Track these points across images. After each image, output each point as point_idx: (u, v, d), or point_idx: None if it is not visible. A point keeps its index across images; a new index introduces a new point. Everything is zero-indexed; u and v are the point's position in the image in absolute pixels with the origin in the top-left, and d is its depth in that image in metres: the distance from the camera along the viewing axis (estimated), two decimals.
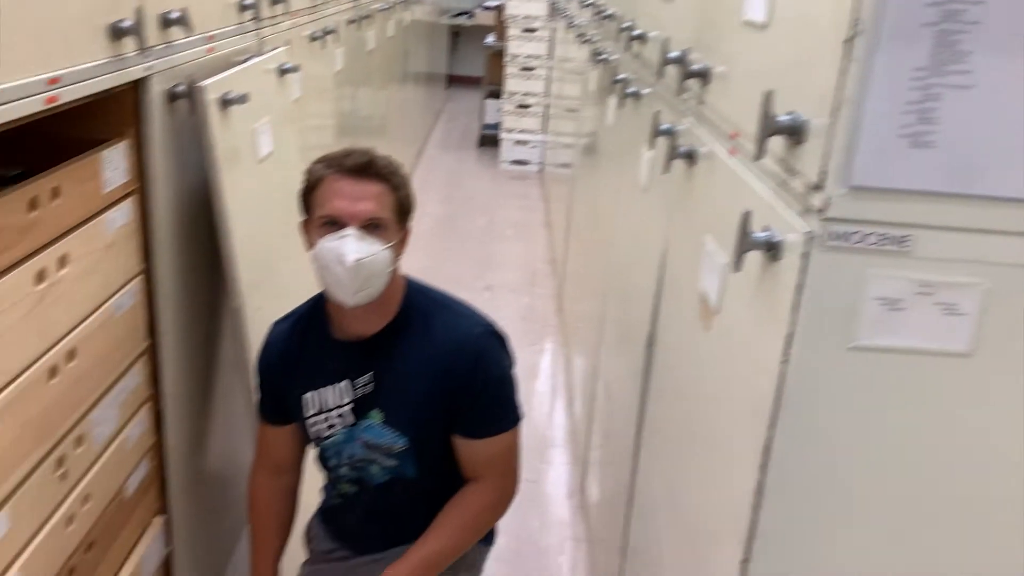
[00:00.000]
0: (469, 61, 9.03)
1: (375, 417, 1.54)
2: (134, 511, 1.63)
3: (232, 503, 2.25)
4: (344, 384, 1.55)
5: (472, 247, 4.80)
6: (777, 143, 0.98)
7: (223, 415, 2.08)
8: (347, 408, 1.55)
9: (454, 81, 9.30)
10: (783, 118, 0.94)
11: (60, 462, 1.33)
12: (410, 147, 5.94)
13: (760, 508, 0.97)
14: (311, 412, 1.57)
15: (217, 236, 1.77)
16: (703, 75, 1.39)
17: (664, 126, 1.56)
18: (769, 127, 0.94)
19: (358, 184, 1.45)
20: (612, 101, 2.54)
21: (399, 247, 1.51)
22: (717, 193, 1.27)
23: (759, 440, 0.96)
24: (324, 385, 1.56)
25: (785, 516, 0.97)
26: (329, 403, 1.56)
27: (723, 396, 1.15)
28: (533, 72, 6.39)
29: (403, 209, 1.51)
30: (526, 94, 6.49)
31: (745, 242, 0.98)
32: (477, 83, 7.57)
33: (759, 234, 0.97)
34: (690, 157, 1.41)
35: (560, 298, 4.04)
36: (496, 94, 6.87)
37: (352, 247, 1.41)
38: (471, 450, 1.54)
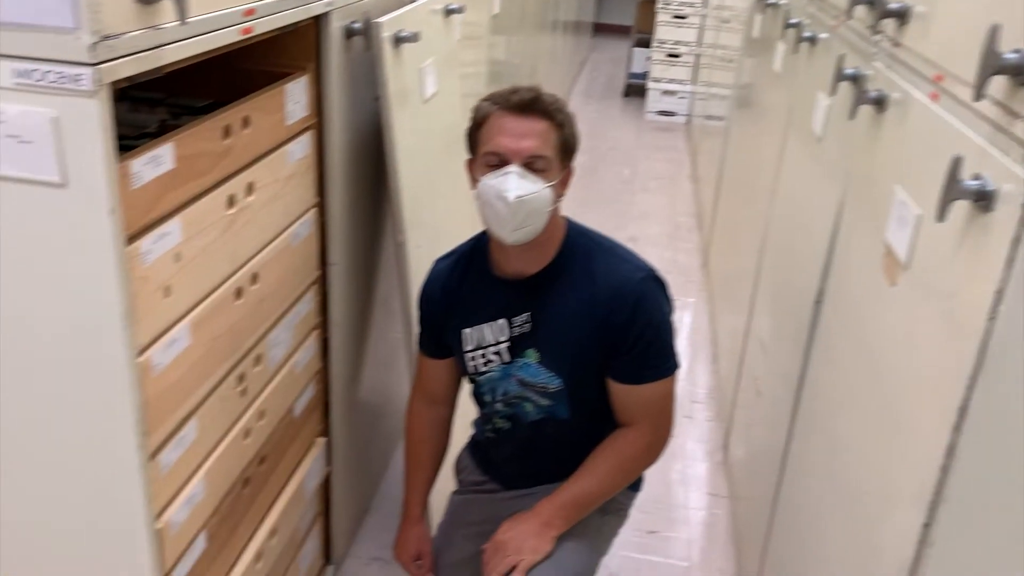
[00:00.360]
0: (618, 9, 8.85)
1: (531, 356, 1.56)
2: (300, 431, 1.72)
3: (384, 433, 2.34)
4: (502, 322, 1.57)
5: (614, 198, 4.74)
6: (997, 84, 0.90)
7: (381, 347, 2.15)
8: (504, 346, 1.58)
9: (599, 30, 9.15)
10: (1009, 55, 0.86)
11: (241, 379, 1.41)
12: None
13: (950, 471, 0.92)
14: (469, 347, 1.60)
15: (385, 173, 1.81)
16: (900, 15, 1.30)
17: (848, 71, 1.47)
18: (992, 66, 0.87)
19: (522, 121, 1.44)
20: (780, 48, 2.43)
21: (561, 186, 1.51)
22: (912, 140, 1.19)
23: (954, 399, 0.91)
24: (482, 322, 1.59)
25: (977, 480, 0.91)
26: (486, 340, 1.59)
27: (908, 352, 1.09)
28: (685, 20, 6.19)
29: (567, 148, 1.50)
30: (677, 43, 6.31)
31: (952, 191, 0.92)
32: (623, 32, 7.42)
33: (969, 182, 0.91)
34: (879, 103, 1.33)
35: (706, 253, 3.95)
36: (645, 43, 6.71)
37: (514, 184, 1.42)
38: (626, 395, 1.53)
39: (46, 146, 0.93)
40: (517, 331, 1.56)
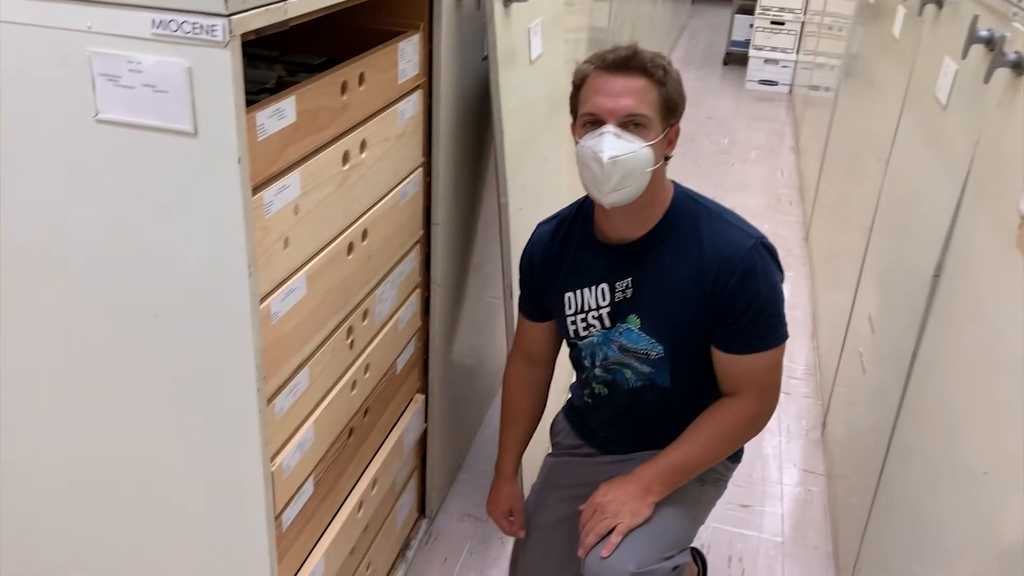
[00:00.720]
0: None
1: (632, 322, 1.54)
2: (401, 387, 1.76)
3: (477, 393, 2.37)
4: (603, 287, 1.56)
5: (711, 168, 4.65)
6: None
7: (477, 309, 2.17)
8: (605, 311, 1.56)
9: None
10: None
11: (350, 332, 1.45)
12: None
13: None
14: (569, 311, 1.60)
15: (489, 134, 1.81)
16: None
17: (982, 32, 1.39)
18: None
19: (619, 79, 1.41)
20: (901, 12, 2.32)
21: (663, 146, 1.45)
22: None
23: None
24: (584, 286, 1.58)
25: None
26: (587, 304, 1.58)
27: None
28: None
29: (669, 106, 1.44)
30: (781, 9, 6.10)
31: None
32: None
33: None
34: (1017, 67, 1.26)
35: (808, 226, 3.84)
36: (747, 9, 6.51)
37: (609, 144, 1.39)
38: (732, 364, 1.50)
39: (180, 96, 0.96)
40: (619, 296, 1.54)
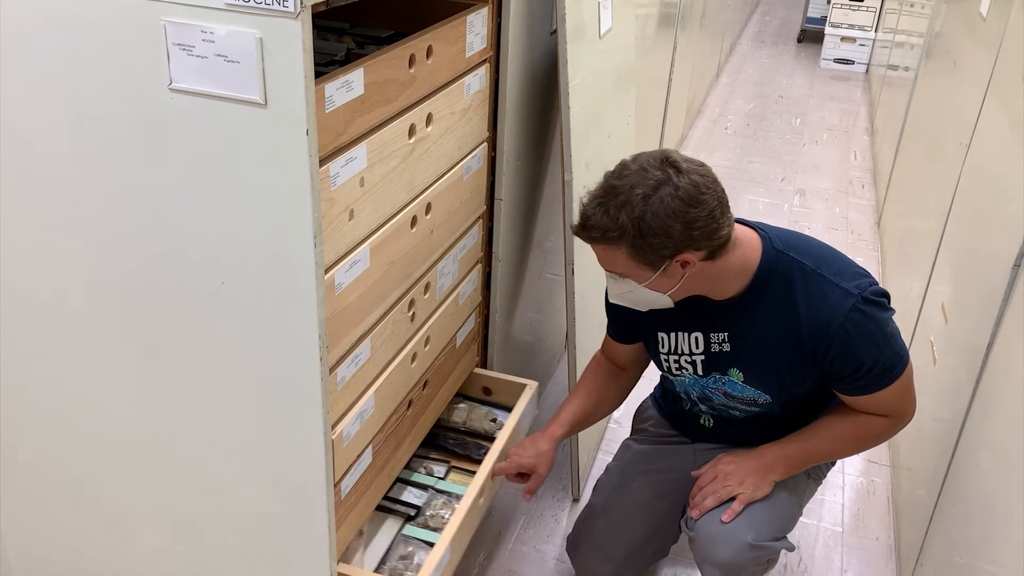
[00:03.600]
0: None
1: (735, 375, 1.51)
2: (460, 361, 1.77)
3: (536, 370, 2.37)
4: (698, 335, 1.51)
5: (782, 149, 4.54)
6: None
7: (537, 286, 2.17)
8: (699, 358, 1.52)
9: None
10: None
11: (411, 304, 1.46)
12: (721, 40, 5.67)
13: None
14: (663, 349, 1.57)
15: (555, 110, 1.80)
16: None
17: None
18: None
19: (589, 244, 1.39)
20: None
21: (671, 276, 1.36)
22: None
23: None
24: (678, 330, 1.53)
25: None
26: (681, 348, 1.54)
27: None
28: None
29: (646, 255, 1.32)
30: None
31: None
32: None
33: None
34: None
35: (880, 210, 3.73)
36: None
37: (610, 285, 1.44)
38: (857, 403, 1.48)
39: (251, 66, 0.97)
40: (715, 348, 1.50)
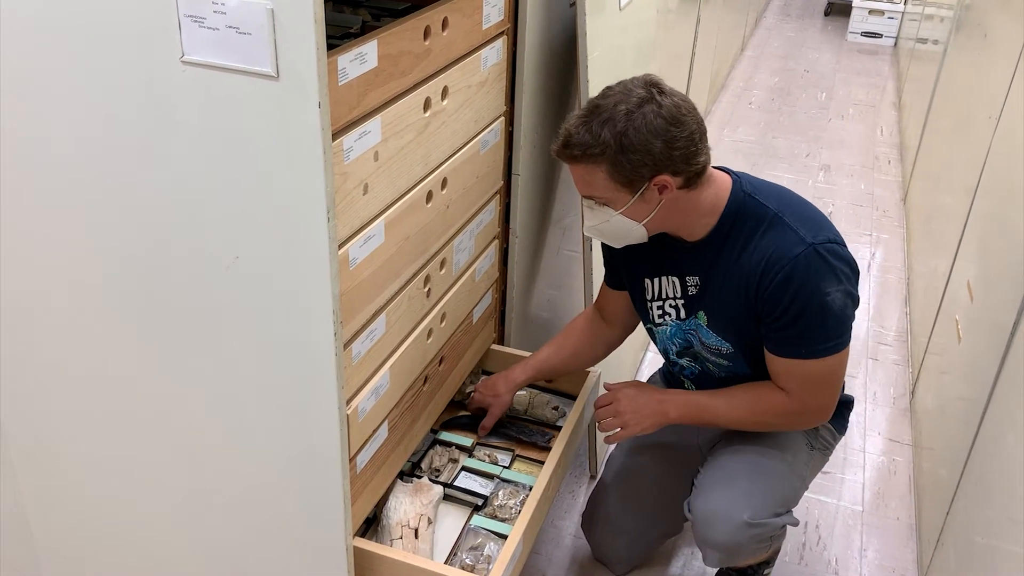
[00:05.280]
0: None
1: (701, 319, 1.53)
2: (476, 337, 1.76)
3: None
4: (675, 279, 1.54)
5: (807, 124, 4.47)
6: None
7: (554, 263, 2.15)
8: (680, 302, 1.54)
9: None
10: None
11: (427, 280, 1.45)
12: (746, 14, 5.58)
13: None
14: (649, 297, 1.59)
15: (573, 84, 1.77)
16: None
17: None
18: None
19: (569, 165, 1.40)
20: None
21: (648, 203, 1.38)
22: None
23: None
24: (661, 275, 1.55)
25: None
26: (664, 292, 1.56)
27: None
28: None
29: (625, 174, 1.34)
30: None
31: None
32: None
33: None
34: None
35: (907, 187, 3.67)
36: None
37: (587, 216, 1.44)
38: (770, 362, 1.47)
39: (262, 38, 0.96)
40: (691, 291, 1.52)
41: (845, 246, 1.41)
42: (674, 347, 1.60)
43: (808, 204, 1.47)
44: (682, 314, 1.55)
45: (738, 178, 1.47)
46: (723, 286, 1.46)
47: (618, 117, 1.31)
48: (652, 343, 1.69)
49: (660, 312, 1.58)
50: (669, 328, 1.58)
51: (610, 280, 1.70)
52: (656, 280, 1.56)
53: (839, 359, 1.43)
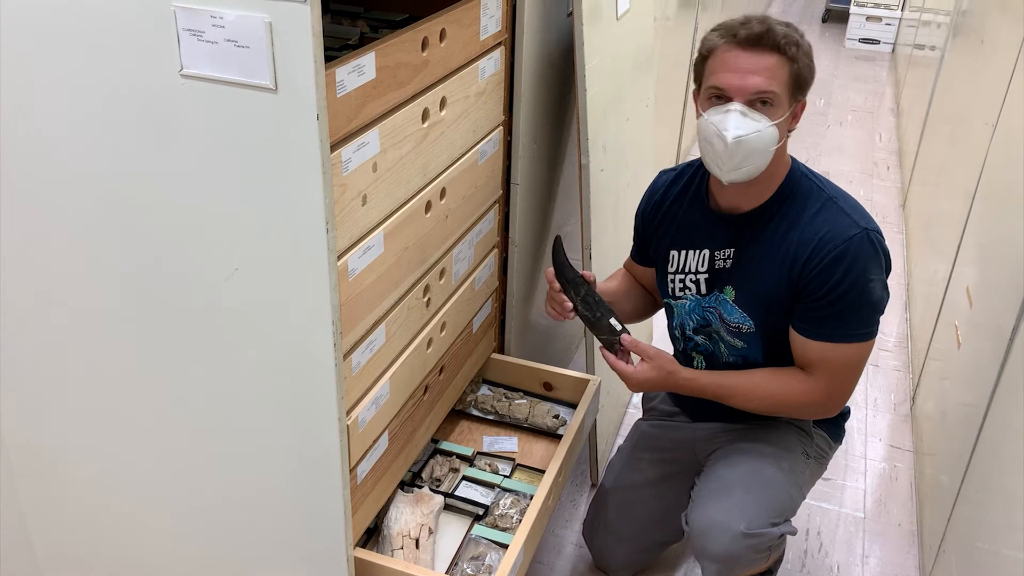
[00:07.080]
0: None
1: (728, 293, 1.52)
2: (476, 346, 1.76)
3: (553, 355, 2.36)
4: (705, 252, 1.54)
5: (805, 130, 4.48)
6: None
7: None
8: (703, 276, 1.54)
9: None
10: None
11: (426, 290, 1.45)
12: None
13: None
14: (671, 269, 1.59)
15: (571, 93, 1.78)
16: None
17: None
18: None
19: (750, 56, 1.36)
20: None
21: (789, 123, 1.41)
22: None
23: None
24: (687, 248, 1.56)
25: None
26: (688, 266, 1.56)
27: None
28: None
29: (798, 82, 1.38)
30: None
31: None
32: None
33: None
34: None
35: (906, 192, 3.68)
36: None
37: (734, 122, 1.35)
38: (801, 345, 1.46)
39: (260, 51, 0.96)
40: (719, 264, 1.52)
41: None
42: (691, 323, 1.60)
43: (852, 197, 1.49)
44: (703, 289, 1.55)
45: (795, 160, 1.50)
46: (762, 260, 1.46)
47: (795, 32, 1.38)
48: (667, 321, 1.67)
49: (681, 286, 1.58)
50: (688, 303, 1.59)
51: (639, 256, 1.71)
52: (683, 252, 1.57)
53: (867, 348, 1.45)
